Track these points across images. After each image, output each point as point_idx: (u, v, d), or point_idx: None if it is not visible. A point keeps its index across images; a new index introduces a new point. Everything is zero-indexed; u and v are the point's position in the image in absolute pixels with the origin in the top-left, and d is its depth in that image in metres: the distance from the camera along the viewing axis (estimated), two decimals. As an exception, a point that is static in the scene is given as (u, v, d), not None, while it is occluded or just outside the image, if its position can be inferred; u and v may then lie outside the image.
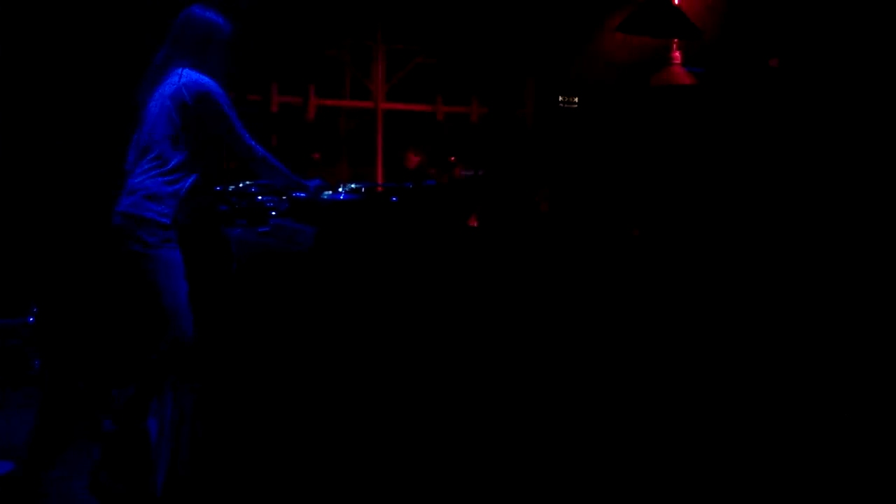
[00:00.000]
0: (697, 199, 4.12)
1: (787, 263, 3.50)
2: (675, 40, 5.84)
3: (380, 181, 7.97)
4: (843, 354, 3.01)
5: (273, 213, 3.81)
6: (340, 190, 3.58)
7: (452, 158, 5.86)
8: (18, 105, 4.77)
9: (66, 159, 4.77)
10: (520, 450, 3.09)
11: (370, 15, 7.51)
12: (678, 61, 5.77)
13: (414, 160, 6.34)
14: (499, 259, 3.39)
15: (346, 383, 3.08)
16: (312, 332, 3.17)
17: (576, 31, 6.23)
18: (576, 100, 5.43)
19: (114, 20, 4.80)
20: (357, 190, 3.56)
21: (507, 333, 3.25)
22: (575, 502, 2.95)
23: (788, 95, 4.45)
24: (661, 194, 4.23)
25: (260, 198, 3.82)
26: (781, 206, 4.00)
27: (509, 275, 3.37)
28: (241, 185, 3.85)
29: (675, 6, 5.81)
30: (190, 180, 3.25)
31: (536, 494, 2.97)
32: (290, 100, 8.05)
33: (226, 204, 3.88)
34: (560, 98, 5.39)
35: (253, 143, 3.35)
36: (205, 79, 3.26)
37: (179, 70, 3.26)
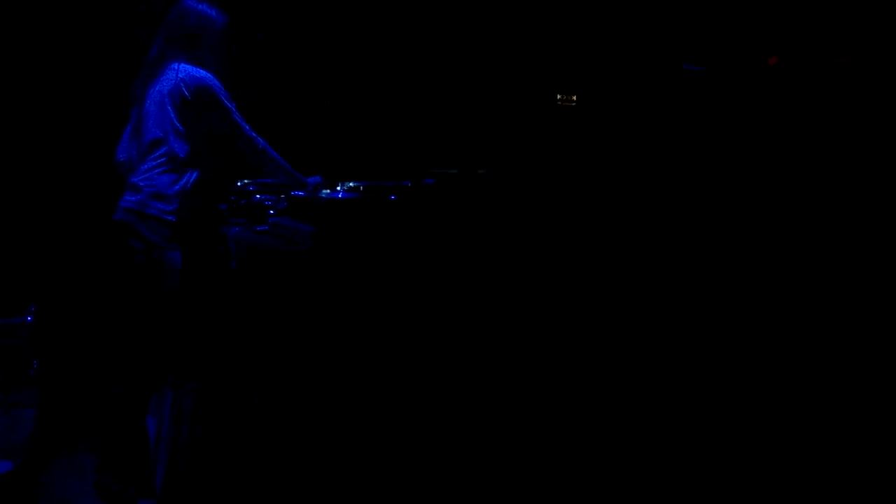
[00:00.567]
0: (697, 198, 4.11)
1: (788, 262, 3.50)
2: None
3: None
4: (843, 354, 3.01)
5: (272, 211, 3.80)
6: (339, 188, 3.57)
7: None
8: (18, 104, 4.76)
9: (66, 158, 4.76)
10: (520, 449, 3.08)
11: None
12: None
13: None
14: (498, 257, 3.38)
15: (345, 382, 3.08)
16: (311, 330, 3.17)
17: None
18: (574, 97, 5.41)
19: (111, 17, 4.80)
20: (356, 188, 3.56)
21: (507, 332, 3.24)
22: (574, 502, 2.95)
23: (787, 94, 4.44)
24: (663, 194, 4.23)
25: (258, 196, 3.81)
26: (782, 206, 3.99)
27: (509, 273, 3.36)
28: (239, 183, 3.84)
29: None
30: (193, 176, 3.25)
31: (536, 494, 2.97)
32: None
33: (224, 202, 3.88)
34: (558, 96, 5.38)
35: (254, 134, 3.34)
36: (202, 72, 3.24)
37: (175, 65, 3.24)
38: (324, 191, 3.56)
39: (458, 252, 3.32)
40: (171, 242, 3.19)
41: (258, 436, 3.24)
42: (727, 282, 3.42)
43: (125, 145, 3.41)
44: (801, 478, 2.81)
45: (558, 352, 3.27)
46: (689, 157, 4.37)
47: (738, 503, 2.84)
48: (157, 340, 3.24)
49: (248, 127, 3.32)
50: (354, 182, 3.64)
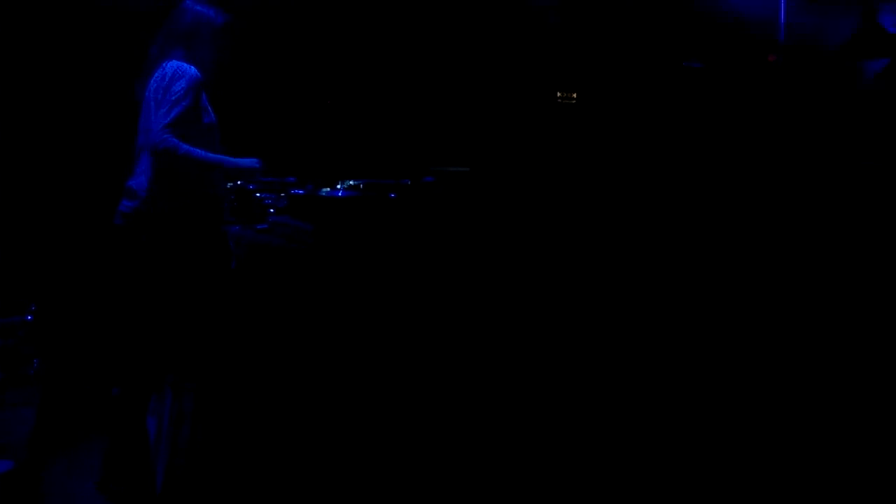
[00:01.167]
0: (696, 194, 4.11)
1: (787, 259, 3.49)
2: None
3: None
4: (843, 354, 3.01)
5: (272, 210, 3.80)
6: (339, 187, 3.56)
7: None
8: (18, 104, 4.75)
9: (66, 158, 4.76)
10: (519, 449, 3.08)
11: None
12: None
13: None
14: (497, 256, 3.38)
15: (345, 381, 3.08)
16: (312, 329, 3.16)
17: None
18: (574, 95, 5.41)
19: (113, 17, 4.79)
20: (355, 187, 3.55)
21: (506, 331, 3.24)
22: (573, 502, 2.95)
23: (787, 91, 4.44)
24: (662, 190, 4.21)
25: (258, 195, 3.81)
26: (780, 201, 3.99)
27: (508, 272, 3.35)
28: (238, 182, 3.84)
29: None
30: (186, 176, 3.22)
31: (534, 494, 2.97)
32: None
33: (224, 201, 3.88)
34: (558, 93, 5.37)
35: (173, 138, 3.08)
36: (186, 66, 3.20)
37: (166, 63, 3.22)
38: (324, 189, 3.55)
39: (458, 250, 3.32)
40: (168, 244, 3.17)
41: (257, 434, 3.24)
42: (727, 278, 3.41)
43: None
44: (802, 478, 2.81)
45: (558, 348, 3.27)
46: (690, 153, 4.36)
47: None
48: (157, 340, 3.23)
49: (170, 122, 3.08)
50: (354, 180, 3.64)
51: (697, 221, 3.82)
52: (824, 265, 3.41)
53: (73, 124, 4.78)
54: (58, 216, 4.72)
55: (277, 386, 3.21)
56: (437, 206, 3.56)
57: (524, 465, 3.03)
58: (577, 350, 3.31)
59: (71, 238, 4.66)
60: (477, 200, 3.71)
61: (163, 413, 3.38)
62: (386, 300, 3.15)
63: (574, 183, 4.35)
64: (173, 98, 3.11)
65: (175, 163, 3.10)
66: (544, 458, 3.04)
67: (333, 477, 3.02)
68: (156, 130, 3.07)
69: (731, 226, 3.96)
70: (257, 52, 5.16)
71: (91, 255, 4.48)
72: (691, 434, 3.00)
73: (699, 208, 3.87)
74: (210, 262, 3.47)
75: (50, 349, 4.41)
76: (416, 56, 5.79)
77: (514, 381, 3.19)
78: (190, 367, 3.30)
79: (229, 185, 3.88)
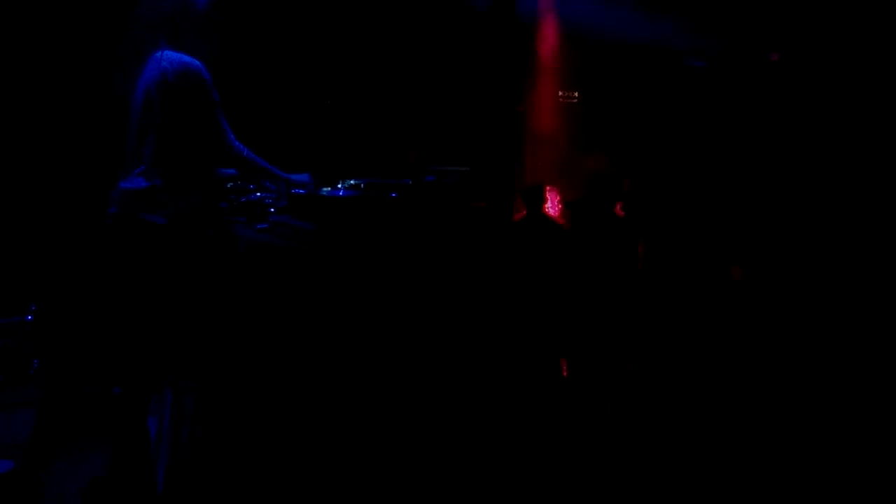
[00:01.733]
0: (695, 191, 4.09)
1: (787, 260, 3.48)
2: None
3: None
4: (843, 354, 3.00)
5: (272, 209, 3.78)
6: (339, 186, 3.55)
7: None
8: (17, 104, 4.74)
9: (66, 158, 4.75)
10: (519, 449, 3.07)
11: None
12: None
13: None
14: (496, 254, 3.36)
15: (345, 380, 3.07)
16: (312, 328, 3.15)
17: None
18: (576, 94, 5.40)
19: (113, 17, 4.78)
20: (356, 186, 3.54)
21: (506, 330, 3.23)
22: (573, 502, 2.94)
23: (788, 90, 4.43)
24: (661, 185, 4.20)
25: (259, 194, 3.79)
26: (784, 202, 3.97)
27: (506, 270, 3.34)
28: (239, 181, 3.82)
29: None
30: (180, 178, 3.17)
31: (534, 494, 2.96)
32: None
33: (224, 201, 3.86)
34: (560, 93, 5.36)
35: (235, 141, 3.18)
36: (189, 58, 3.09)
37: (159, 54, 3.11)
38: (324, 188, 3.54)
39: (458, 249, 3.31)
40: (161, 244, 3.13)
41: (258, 434, 3.23)
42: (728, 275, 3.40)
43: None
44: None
45: (557, 345, 3.25)
46: (692, 151, 4.35)
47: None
48: (158, 340, 3.22)
49: (229, 130, 3.15)
50: (355, 180, 3.62)
51: (699, 216, 3.81)
52: (827, 263, 3.40)
53: (72, 124, 4.77)
54: (58, 216, 4.71)
55: (278, 385, 3.20)
56: (438, 205, 3.55)
57: (527, 465, 3.02)
58: (578, 345, 3.30)
59: (71, 238, 4.65)
60: (477, 200, 3.69)
61: (163, 413, 3.37)
62: (387, 299, 3.14)
63: (575, 181, 4.33)
64: (215, 102, 3.08)
65: (249, 173, 3.27)
66: (548, 456, 3.03)
67: (333, 476, 3.01)
68: (226, 142, 3.11)
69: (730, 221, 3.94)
70: (256, 51, 5.15)
71: (91, 255, 4.47)
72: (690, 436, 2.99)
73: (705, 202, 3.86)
74: (210, 262, 3.46)
75: (50, 350, 4.40)
76: (414, 56, 5.78)
77: (516, 380, 3.17)
78: (190, 366, 3.28)
79: (229, 185, 3.86)
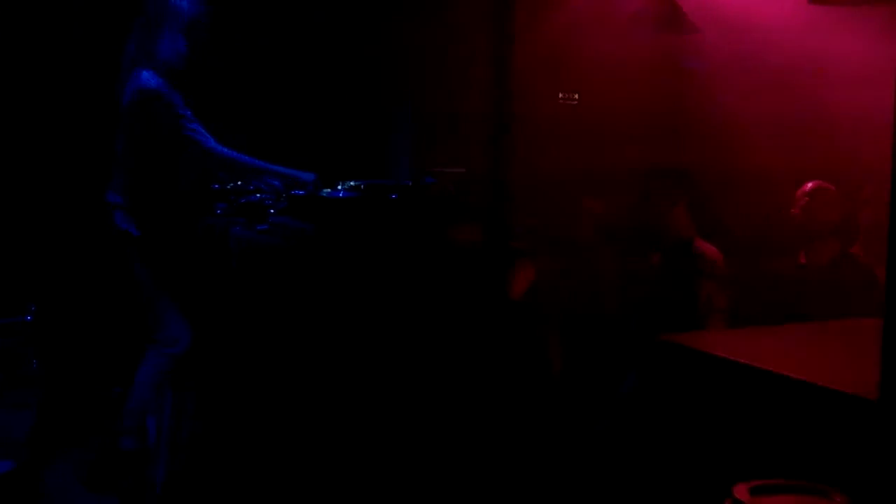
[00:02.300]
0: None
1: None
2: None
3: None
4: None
5: (272, 210, 3.79)
6: (339, 187, 3.56)
7: None
8: (15, 104, 4.75)
9: (65, 158, 4.75)
10: (519, 449, 3.07)
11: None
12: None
13: None
14: (496, 258, 3.37)
15: (345, 381, 3.07)
16: (312, 330, 3.16)
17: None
18: (576, 96, 5.40)
19: (111, 18, 4.79)
20: (356, 187, 3.55)
21: (505, 331, 3.23)
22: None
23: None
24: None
25: (258, 196, 3.80)
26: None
27: (506, 271, 3.35)
28: (239, 183, 3.84)
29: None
30: (161, 188, 3.27)
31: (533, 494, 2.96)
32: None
33: (225, 202, 3.87)
34: (560, 94, 5.36)
35: (213, 144, 3.32)
36: (153, 81, 3.25)
37: (136, 72, 3.27)
38: (324, 190, 3.55)
39: (458, 250, 3.32)
40: (150, 249, 3.22)
41: (257, 434, 3.23)
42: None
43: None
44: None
45: (560, 346, 3.26)
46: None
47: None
48: (141, 347, 3.25)
49: (205, 136, 3.31)
50: (355, 181, 3.63)
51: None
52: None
53: (72, 124, 4.78)
54: (57, 216, 4.71)
55: (277, 385, 3.21)
56: (437, 206, 3.56)
57: (527, 465, 3.02)
58: (579, 347, 3.30)
59: (71, 239, 4.65)
60: (477, 201, 3.70)
61: (163, 412, 3.38)
62: (386, 300, 3.15)
63: (572, 183, 4.32)
64: (179, 116, 3.25)
65: (235, 172, 3.53)
66: (549, 456, 3.03)
67: (333, 475, 3.01)
68: (203, 149, 3.29)
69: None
70: (255, 51, 5.16)
71: (90, 254, 4.48)
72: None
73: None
74: (209, 264, 3.48)
75: (50, 350, 4.41)
76: (412, 56, 5.78)
77: (517, 383, 3.18)
78: (190, 366, 3.29)
79: (230, 185, 3.88)
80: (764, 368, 1.93)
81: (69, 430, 3.93)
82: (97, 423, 3.80)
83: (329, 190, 3.53)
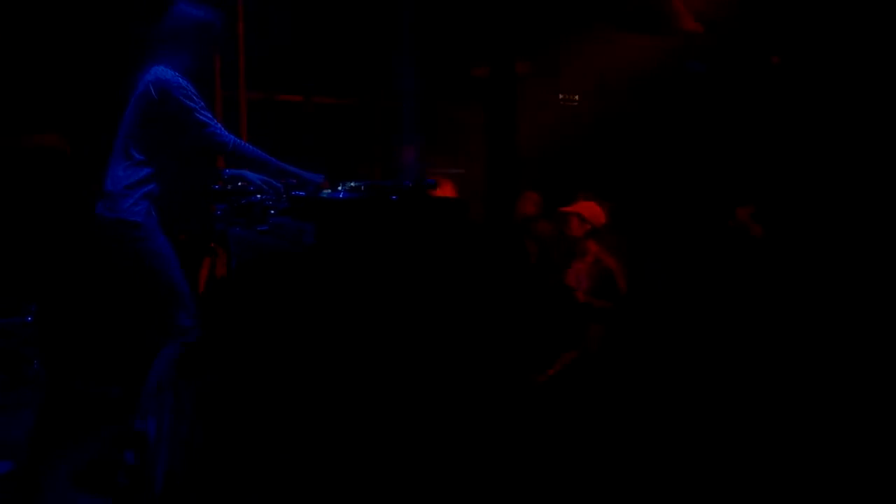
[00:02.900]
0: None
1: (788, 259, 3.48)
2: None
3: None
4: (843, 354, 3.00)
5: (272, 211, 3.79)
6: (340, 188, 3.56)
7: None
8: (13, 105, 4.75)
9: (64, 158, 4.75)
10: (521, 451, 3.07)
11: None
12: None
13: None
14: (495, 258, 3.37)
15: (345, 382, 3.07)
16: (312, 330, 3.16)
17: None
18: (576, 97, 5.40)
19: (110, 16, 4.79)
20: (357, 188, 3.54)
21: (505, 333, 3.23)
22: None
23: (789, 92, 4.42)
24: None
25: (259, 196, 3.80)
26: (784, 203, 3.97)
27: (503, 275, 3.35)
28: (239, 183, 3.83)
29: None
30: (164, 179, 3.28)
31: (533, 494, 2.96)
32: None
33: (225, 203, 3.87)
34: (560, 95, 5.36)
35: (224, 134, 3.35)
36: (169, 73, 3.28)
37: (153, 68, 3.29)
38: (325, 191, 3.55)
39: (458, 252, 3.32)
40: (148, 238, 3.23)
41: (258, 434, 3.23)
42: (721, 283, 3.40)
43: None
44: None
45: (560, 348, 3.26)
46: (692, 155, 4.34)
47: None
48: (157, 340, 3.24)
49: (218, 127, 3.32)
50: (355, 182, 3.63)
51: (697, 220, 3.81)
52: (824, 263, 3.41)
53: (70, 124, 4.78)
54: (56, 216, 4.72)
55: (277, 386, 3.21)
56: (437, 208, 3.56)
57: (526, 466, 3.02)
58: (581, 348, 3.29)
59: (71, 239, 4.66)
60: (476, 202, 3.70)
61: (163, 412, 3.37)
62: (387, 302, 3.15)
63: (577, 184, 4.33)
64: (191, 108, 3.25)
65: (245, 162, 3.46)
66: (551, 456, 3.03)
67: (332, 475, 3.01)
68: (215, 139, 3.29)
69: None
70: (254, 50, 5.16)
71: (90, 254, 4.48)
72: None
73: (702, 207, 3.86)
74: (206, 262, 3.48)
75: (50, 350, 4.41)
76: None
77: (515, 383, 3.18)
78: (190, 366, 3.29)
79: (229, 186, 3.87)
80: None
81: (69, 430, 3.93)
82: (97, 424, 3.80)
83: (329, 191, 3.53)
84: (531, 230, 4.63)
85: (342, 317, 3.11)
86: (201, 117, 3.28)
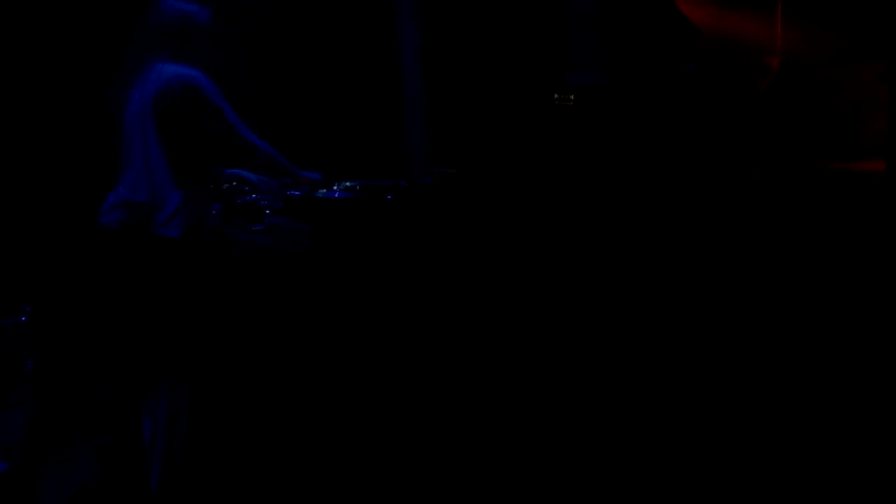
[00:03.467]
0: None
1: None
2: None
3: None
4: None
5: (268, 211, 3.79)
6: (335, 188, 3.56)
7: None
8: (10, 105, 4.74)
9: (61, 158, 4.74)
10: (519, 450, 3.07)
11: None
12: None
13: None
14: (492, 259, 3.37)
15: (342, 382, 3.07)
16: (307, 330, 3.16)
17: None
18: (571, 97, 5.41)
19: (100, 18, 4.78)
20: (352, 188, 3.54)
21: (503, 332, 3.23)
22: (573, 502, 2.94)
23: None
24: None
25: (254, 196, 3.80)
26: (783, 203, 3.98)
27: (501, 274, 3.35)
28: (234, 183, 3.83)
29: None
30: (182, 188, 3.17)
31: (534, 494, 2.96)
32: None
33: (220, 203, 3.86)
34: (556, 95, 5.36)
35: (254, 137, 3.22)
36: (190, 70, 3.12)
37: (160, 66, 3.12)
38: (320, 190, 3.54)
39: (454, 251, 3.32)
40: (160, 252, 3.14)
41: (254, 435, 3.23)
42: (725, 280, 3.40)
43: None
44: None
45: (557, 349, 3.26)
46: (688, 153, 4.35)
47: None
48: (153, 340, 3.22)
49: (244, 128, 3.19)
50: (351, 182, 3.63)
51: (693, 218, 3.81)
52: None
53: (67, 124, 4.77)
54: (53, 216, 4.70)
55: (273, 386, 3.21)
56: (434, 207, 3.56)
57: (520, 465, 3.02)
58: (572, 349, 3.30)
59: (66, 239, 4.64)
60: (474, 201, 3.70)
61: (158, 414, 3.37)
62: (382, 301, 3.14)
63: (571, 182, 4.34)
64: (220, 106, 3.09)
65: (268, 168, 3.32)
66: (542, 457, 3.03)
67: (330, 475, 3.01)
68: (242, 141, 3.13)
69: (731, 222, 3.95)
70: (253, 50, 5.15)
71: (86, 255, 4.47)
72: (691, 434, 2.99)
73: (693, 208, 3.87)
74: (206, 265, 3.47)
75: (45, 350, 4.40)
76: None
77: (511, 383, 3.18)
78: (186, 367, 3.28)
79: (225, 186, 3.86)
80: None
81: (64, 430, 3.92)
82: (93, 424, 3.79)
83: (325, 190, 3.53)
84: None
85: (338, 317, 3.11)
86: (231, 118, 3.14)
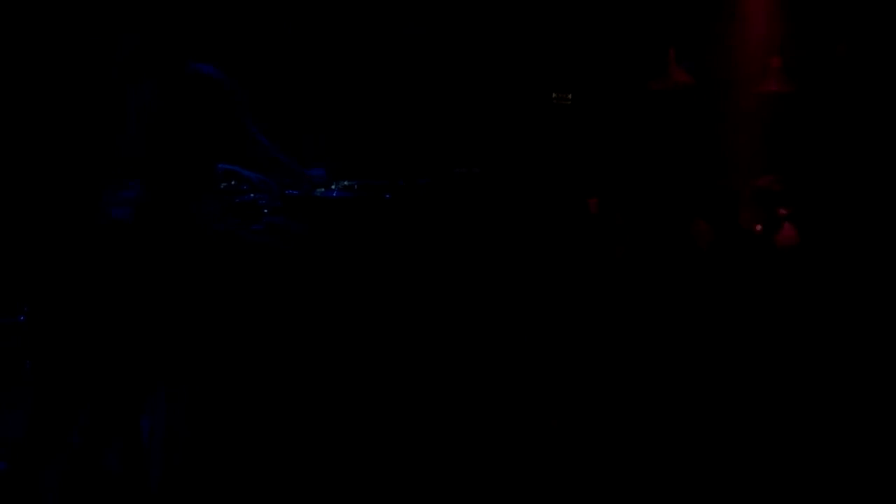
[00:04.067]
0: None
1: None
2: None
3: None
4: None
5: (266, 210, 3.79)
6: (333, 187, 3.55)
7: None
8: (8, 105, 4.73)
9: (59, 158, 4.74)
10: (517, 449, 3.07)
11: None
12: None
13: None
14: (492, 257, 3.37)
15: (340, 381, 3.07)
16: (306, 329, 3.16)
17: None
18: (569, 96, 5.40)
19: (99, 17, 4.77)
20: (350, 187, 3.54)
21: (502, 332, 3.23)
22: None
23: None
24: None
25: (252, 195, 3.80)
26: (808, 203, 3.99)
27: (501, 272, 3.35)
28: (232, 182, 3.82)
29: None
30: (187, 187, 3.20)
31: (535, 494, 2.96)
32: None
33: (218, 202, 3.86)
34: (553, 94, 5.36)
35: (260, 136, 3.24)
36: (211, 67, 3.13)
37: (181, 65, 3.13)
38: (318, 189, 3.54)
39: (452, 250, 3.32)
40: (164, 248, 3.15)
41: (253, 435, 3.23)
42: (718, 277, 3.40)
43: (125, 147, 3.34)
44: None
45: (550, 347, 3.26)
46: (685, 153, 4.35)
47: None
48: (151, 340, 3.22)
49: (254, 128, 3.20)
50: (349, 181, 3.63)
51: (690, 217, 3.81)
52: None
53: (65, 124, 4.76)
54: (49, 216, 4.69)
55: (271, 386, 3.21)
56: (432, 207, 3.56)
57: (515, 464, 3.02)
58: (568, 349, 3.30)
59: (64, 239, 4.64)
60: (472, 201, 3.70)
61: (157, 413, 3.37)
62: (380, 300, 3.15)
63: (568, 182, 4.34)
64: (241, 104, 3.11)
65: (275, 169, 3.31)
66: (537, 456, 3.03)
67: (328, 475, 3.01)
68: (256, 141, 3.14)
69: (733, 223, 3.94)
70: (253, 50, 5.15)
71: (83, 255, 4.46)
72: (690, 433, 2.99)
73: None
74: (203, 264, 3.47)
75: (42, 351, 4.39)
76: (409, 56, 5.77)
77: (506, 382, 3.18)
78: (184, 367, 3.28)
79: (223, 185, 3.86)
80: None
81: (62, 430, 3.91)
82: (91, 424, 3.78)
83: (323, 190, 3.52)
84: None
85: (336, 315, 3.11)
86: (247, 118, 3.14)
